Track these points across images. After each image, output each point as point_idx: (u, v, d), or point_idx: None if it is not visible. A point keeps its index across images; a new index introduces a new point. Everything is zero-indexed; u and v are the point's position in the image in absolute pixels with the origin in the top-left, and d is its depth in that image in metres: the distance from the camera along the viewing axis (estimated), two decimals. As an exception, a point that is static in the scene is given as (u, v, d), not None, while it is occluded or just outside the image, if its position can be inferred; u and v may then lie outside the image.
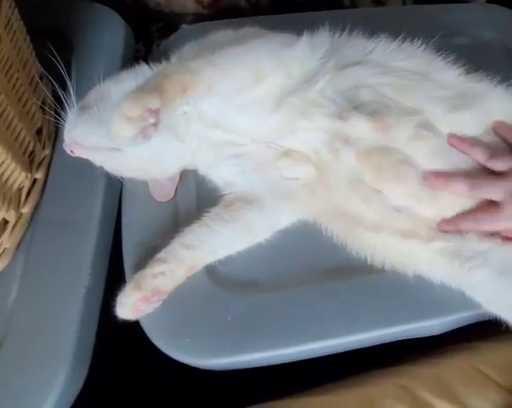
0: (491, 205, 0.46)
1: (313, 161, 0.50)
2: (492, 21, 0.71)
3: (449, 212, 0.47)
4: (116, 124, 0.42)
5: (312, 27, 0.54)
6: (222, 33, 0.53)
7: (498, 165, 0.46)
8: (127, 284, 0.45)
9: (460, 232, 0.46)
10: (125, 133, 0.42)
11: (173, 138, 0.51)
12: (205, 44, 0.52)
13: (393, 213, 0.47)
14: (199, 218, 0.49)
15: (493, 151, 0.47)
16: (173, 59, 0.53)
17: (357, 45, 0.52)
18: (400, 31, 0.61)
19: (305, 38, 0.51)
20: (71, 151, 0.50)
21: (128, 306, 0.45)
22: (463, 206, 0.47)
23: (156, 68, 0.52)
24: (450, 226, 0.47)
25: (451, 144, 0.47)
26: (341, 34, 0.52)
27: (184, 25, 0.84)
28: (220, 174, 0.52)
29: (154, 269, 0.46)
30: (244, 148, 0.51)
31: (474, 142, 0.47)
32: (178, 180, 0.54)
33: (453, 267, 0.46)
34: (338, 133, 0.48)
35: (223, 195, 0.52)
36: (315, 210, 0.51)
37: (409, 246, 0.47)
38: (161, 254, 0.47)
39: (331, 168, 0.49)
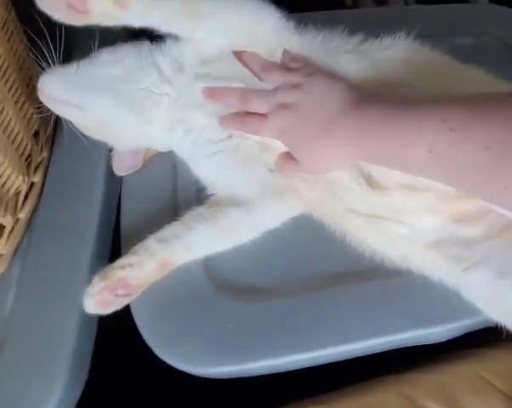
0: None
1: None
2: (494, 21, 0.71)
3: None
4: None
5: (314, 27, 0.53)
6: None
7: (269, 80, 0.48)
8: (95, 275, 0.45)
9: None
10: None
11: (142, 116, 0.51)
12: None
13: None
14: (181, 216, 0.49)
15: (268, 67, 0.48)
16: None
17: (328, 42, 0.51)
18: (401, 31, 0.60)
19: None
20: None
21: (93, 297, 0.43)
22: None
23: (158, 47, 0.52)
24: (222, 120, 0.49)
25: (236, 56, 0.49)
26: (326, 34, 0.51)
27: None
28: (205, 172, 0.52)
29: (123, 260, 0.45)
30: (225, 143, 0.50)
31: (252, 56, 0.49)
32: (140, 161, 0.54)
33: (447, 265, 0.45)
34: None
35: (209, 196, 0.51)
36: (304, 202, 0.50)
37: (396, 235, 0.46)
38: (134, 247, 0.46)
39: None
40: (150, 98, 0.51)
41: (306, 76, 0.46)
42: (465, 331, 0.48)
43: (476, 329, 0.47)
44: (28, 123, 0.51)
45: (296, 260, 0.49)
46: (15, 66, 0.48)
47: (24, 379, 0.43)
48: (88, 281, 0.47)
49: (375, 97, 0.44)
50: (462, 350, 0.49)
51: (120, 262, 0.45)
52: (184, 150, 0.53)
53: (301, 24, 0.52)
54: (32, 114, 0.52)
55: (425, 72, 0.48)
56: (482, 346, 0.49)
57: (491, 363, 0.47)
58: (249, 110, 0.48)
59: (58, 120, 0.53)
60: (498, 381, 0.46)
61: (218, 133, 0.51)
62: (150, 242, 0.46)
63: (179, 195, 0.53)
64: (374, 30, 0.59)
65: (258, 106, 0.47)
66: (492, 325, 0.45)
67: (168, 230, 0.48)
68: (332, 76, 0.46)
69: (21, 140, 0.49)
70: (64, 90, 0.49)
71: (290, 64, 0.48)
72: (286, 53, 0.49)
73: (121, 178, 0.55)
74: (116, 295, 0.44)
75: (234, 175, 0.50)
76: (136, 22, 0.48)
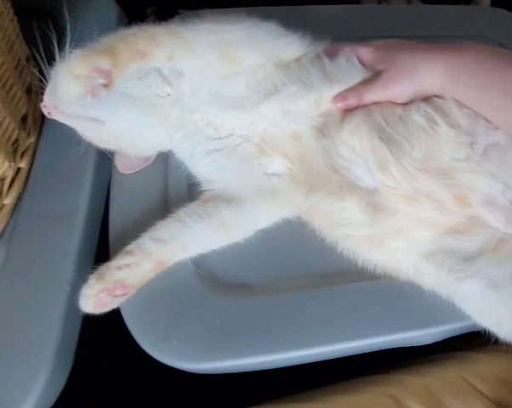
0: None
1: (292, 150, 0.49)
2: (495, 25, 0.71)
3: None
4: (62, 81, 0.41)
5: (316, 21, 0.53)
6: (213, 18, 0.51)
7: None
8: (91, 276, 0.44)
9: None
10: (71, 90, 0.41)
11: (155, 120, 0.50)
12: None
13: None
14: (173, 212, 0.48)
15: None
16: None
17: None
18: (403, 30, 0.59)
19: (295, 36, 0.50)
20: (49, 113, 0.48)
21: (90, 298, 0.43)
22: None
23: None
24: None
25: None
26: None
27: (181, 10, 0.81)
28: (201, 170, 0.51)
29: (119, 260, 0.45)
30: (223, 142, 0.50)
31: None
32: (150, 161, 0.54)
33: (440, 275, 0.45)
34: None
35: (202, 191, 0.51)
36: (298, 207, 0.49)
37: (393, 248, 0.46)
38: (129, 246, 0.46)
39: (309, 149, 0.49)
40: (158, 100, 0.50)
41: None
42: (452, 335, 0.48)
43: (463, 332, 0.48)
44: (16, 107, 0.50)
45: (285, 258, 0.49)
46: (4, 48, 0.47)
47: (5, 371, 0.42)
48: (75, 272, 0.46)
49: None
50: (448, 352, 0.50)
51: (116, 262, 0.45)
52: (183, 148, 0.52)
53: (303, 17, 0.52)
54: (20, 98, 0.50)
55: None
56: (468, 349, 0.50)
57: (476, 366, 0.48)
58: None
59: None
60: (482, 385, 0.46)
61: (216, 131, 0.50)
62: (146, 242, 0.46)
63: (170, 189, 0.53)
64: (374, 27, 0.58)
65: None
66: (478, 329, 0.45)
67: (163, 229, 0.47)
68: None
69: (8, 125, 0.48)
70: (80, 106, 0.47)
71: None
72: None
73: (111, 165, 0.54)
74: (114, 295, 0.44)
75: (229, 174, 0.50)
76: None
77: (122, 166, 0.54)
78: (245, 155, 0.50)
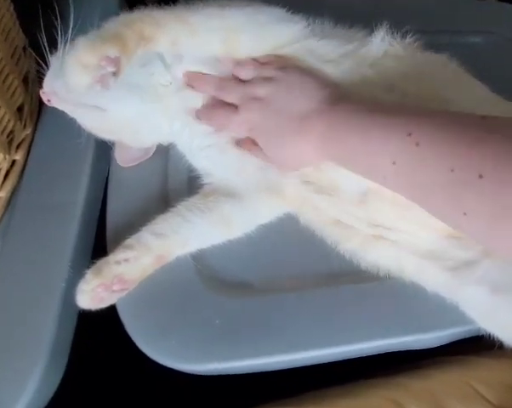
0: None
1: None
2: (502, 20, 0.69)
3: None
4: (71, 71, 0.40)
5: (323, 10, 0.51)
6: (216, 2, 0.50)
7: (242, 73, 0.47)
8: (88, 270, 0.43)
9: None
10: (81, 80, 0.40)
11: (157, 109, 0.49)
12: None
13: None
14: (174, 207, 0.47)
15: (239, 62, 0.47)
16: None
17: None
18: (412, 23, 0.58)
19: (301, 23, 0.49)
20: (48, 101, 0.47)
21: (87, 293, 0.42)
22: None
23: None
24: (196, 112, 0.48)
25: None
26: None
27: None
28: (198, 163, 0.51)
29: (118, 255, 0.44)
30: (217, 135, 0.49)
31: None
32: (150, 154, 0.53)
33: (444, 278, 0.44)
34: None
35: (202, 185, 0.50)
36: (296, 202, 0.48)
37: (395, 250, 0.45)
38: (128, 240, 0.45)
39: None
40: (160, 88, 0.49)
41: (279, 70, 0.46)
42: (455, 339, 0.47)
43: (467, 337, 0.47)
44: (11, 97, 0.48)
45: (287, 257, 0.48)
46: (0, 36, 0.45)
47: (1, 364, 0.41)
48: (71, 267, 0.45)
49: (348, 100, 0.43)
50: (452, 357, 0.49)
51: (115, 257, 0.44)
52: (182, 140, 0.51)
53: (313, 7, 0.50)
54: (16, 87, 0.49)
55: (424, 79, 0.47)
56: (472, 353, 0.49)
57: (480, 371, 0.47)
58: (222, 99, 0.47)
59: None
60: (486, 390, 0.45)
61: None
62: (146, 236, 0.45)
63: (169, 182, 0.52)
64: (377, 19, 0.57)
65: (228, 95, 0.46)
66: (482, 333, 0.44)
67: (164, 223, 0.46)
68: (306, 71, 0.45)
69: (3, 115, 0.46)
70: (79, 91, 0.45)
71: (260, 59, 0.47)
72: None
73: (109, 158, 0.53)
74: (112, 291, 0.43)
75: (225, 170, 0.49)
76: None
77: (121, 158, 0.53)
78: (239, 149, 0.48)
